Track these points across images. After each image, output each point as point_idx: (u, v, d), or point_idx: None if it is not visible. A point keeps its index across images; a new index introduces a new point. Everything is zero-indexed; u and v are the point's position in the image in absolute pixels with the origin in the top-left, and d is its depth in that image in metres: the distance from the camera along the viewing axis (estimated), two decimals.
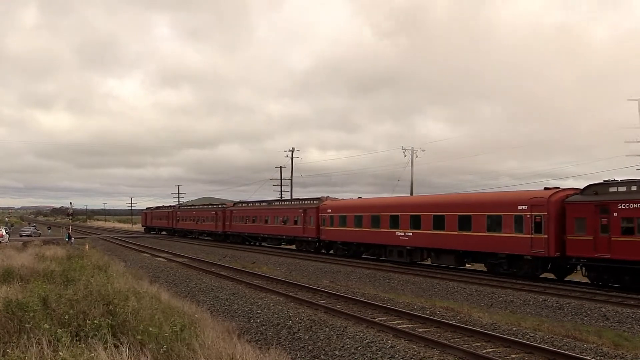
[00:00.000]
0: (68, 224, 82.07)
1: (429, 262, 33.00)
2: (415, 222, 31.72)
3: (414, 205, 33.44)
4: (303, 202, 46.74)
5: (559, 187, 25.84)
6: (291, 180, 73.94)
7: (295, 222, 45.45)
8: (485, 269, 28.68)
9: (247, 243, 55.75)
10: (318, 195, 45.33)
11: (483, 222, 27.27)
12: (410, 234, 32.06)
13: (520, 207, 25.41)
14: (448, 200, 31.42)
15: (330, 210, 40.43)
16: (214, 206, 67.88)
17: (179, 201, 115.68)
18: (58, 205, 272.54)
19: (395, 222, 33.40)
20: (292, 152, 72.83)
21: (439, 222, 29.93)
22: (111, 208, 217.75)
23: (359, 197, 42.50)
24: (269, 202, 54.80)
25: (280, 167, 75.12)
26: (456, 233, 28.64)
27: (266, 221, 51.25)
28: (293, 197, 50.31)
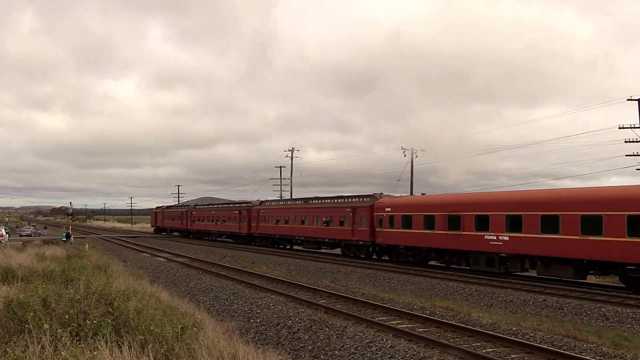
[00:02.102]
0: (68, 223, 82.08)
1: (531, 274, 26.79)
2: (514, 224, 26.02)
3: (511, 202, 27.02)
4: (351, 199, 40.43)
5: None
6: (291, 180, 74.11)
7: (342, 223, 39.49)
8: (622, 285, 23.30)
9: (278, 246, 50.55)
10: (370, 192, 39.72)
11: (621, 224, 21.66)
12: (506, 237, 26.29)
13: None
14: (564, 196, 25.06)
15: (389, 209, 34.46)
16: (238, 205, 60.92)
17: (178, 201, 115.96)
18: (58, 205, 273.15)
19: (483, 223, 27.64)
20: (292, 152, 73.00)
21: (550, 224, 24.29)
22: (111, 208, 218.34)
23: (423, 194, 36.37)
24: (306, 199, 48.11)
25: (280, 167, 75.35)
26: (577, 238, 23.04)
27: (303, 222, 44.94)
28: (340, 195, 43.38)
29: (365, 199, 38.38)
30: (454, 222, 29.38)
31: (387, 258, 36.18)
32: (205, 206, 74.48)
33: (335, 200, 42.76)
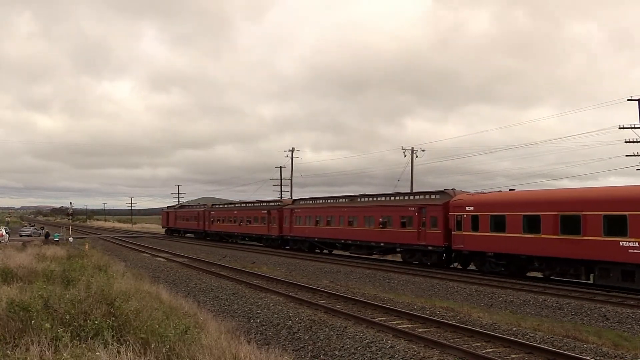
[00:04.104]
0: (68, 223, 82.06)
1: None
2: None
3: None
4: (416, 197, 34.81)
5: None
6: (291, 180, 74.12)
7: (403, 225, 33.70)
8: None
9: (314, 251, 45.03)
10: (439, 188, 34.07)
11: None
12: None
13: None
14: None
15: (471, 208, 28.72)
16: (266, 204, 55.22)
17: (178, 201, 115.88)
18: (58, 205, 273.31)
19: (617, 225, 21.98)
20: (292, 152, 72.99)
21: None
22: (111, 208, 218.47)
23: (511, 189, 30.30)
24: (352, 197, 41.51)
25: (280, 167, 75.34)
26: None
27: (350, 223, 38.98)
28: (398, 192, 37.56)
29: (435, 196, 32.88)
30: (571, 224, 23.65)
31: (458, 266, 31.23)
32: (226, 205, 68.78)
33: (394, 198, 36.64)
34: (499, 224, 27.11)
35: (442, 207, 30.98)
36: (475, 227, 28.33)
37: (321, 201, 45.63)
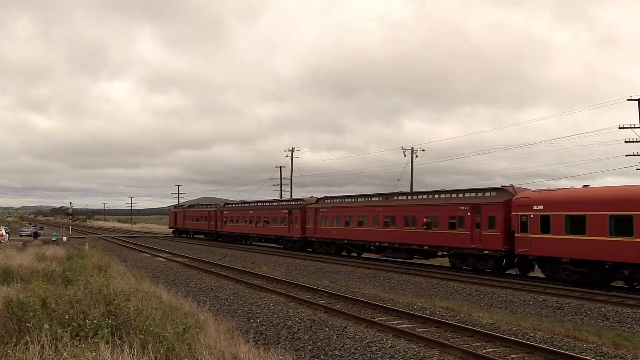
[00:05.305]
0: (68, 223, 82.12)
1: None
2: None
3: None
4: (468, 194, 30.94)
5: None
6: (291, 180, 74.15)
7: (452, 226, 30.36)
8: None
9: (340, 254, 41.56)
10: (491, 185, 30.80)
11: None
12: None
13: None
14: None
15: (540, 207, 25.03)
16: (286, 203, 52.12)
17: (178, 201, 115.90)
18: (58, 205, 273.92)
19: None
20: (292, 152, 73.01)
21: None
22: (111, 208, 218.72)
23: (585, 186, 25.96)
24: (387, 195, 37.77)
25: (280, 167, 75.37)
26: None
27: (386, 223, 35.59)
28: (442, 189, 34.46)
29: (491, 194, 29.40)
30: None
31: (516, 272, 27.52)
32: (240, 205, 64.27)
33: (441, 196, 33.14)
34: (577, 225, 23.45)
35: (503, 205, 27.43)
36: (545, 229, 24.69)
37: (350, 200, 41.84)
